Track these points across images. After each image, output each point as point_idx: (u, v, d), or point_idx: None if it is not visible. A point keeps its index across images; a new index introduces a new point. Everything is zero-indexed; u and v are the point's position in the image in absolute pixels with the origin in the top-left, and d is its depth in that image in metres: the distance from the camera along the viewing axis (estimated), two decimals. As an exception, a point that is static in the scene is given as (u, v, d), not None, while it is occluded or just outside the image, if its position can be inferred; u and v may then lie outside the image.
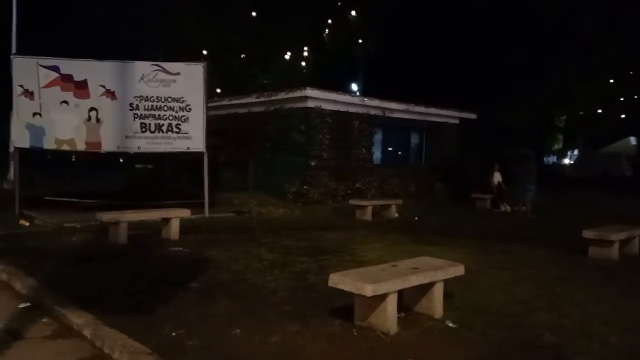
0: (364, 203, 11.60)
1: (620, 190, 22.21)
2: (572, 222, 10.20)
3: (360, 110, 14.79)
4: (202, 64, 10.84)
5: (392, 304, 4.03)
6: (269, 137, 14.30)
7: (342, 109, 14.35)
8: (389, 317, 4.05)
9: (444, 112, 17.27)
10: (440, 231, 9.79)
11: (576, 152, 41.96)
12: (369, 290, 3.86)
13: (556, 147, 33.57)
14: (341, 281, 4.07)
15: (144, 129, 10.39)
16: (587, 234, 7.33)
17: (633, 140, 34.52)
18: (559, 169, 29.81)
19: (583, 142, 36.80)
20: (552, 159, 34.12)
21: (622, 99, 29.87)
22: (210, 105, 11.86)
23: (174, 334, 3.97)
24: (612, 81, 28.91)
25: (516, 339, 4.04)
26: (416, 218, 11.75)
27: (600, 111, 30.90)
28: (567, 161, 38.15)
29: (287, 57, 23.15)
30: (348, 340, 3.93)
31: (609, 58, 25.16)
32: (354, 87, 29.44)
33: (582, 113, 31.15)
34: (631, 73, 28.63)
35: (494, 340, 4.02)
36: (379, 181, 14.95)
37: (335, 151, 14.14)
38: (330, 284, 4.13)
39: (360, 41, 26.08)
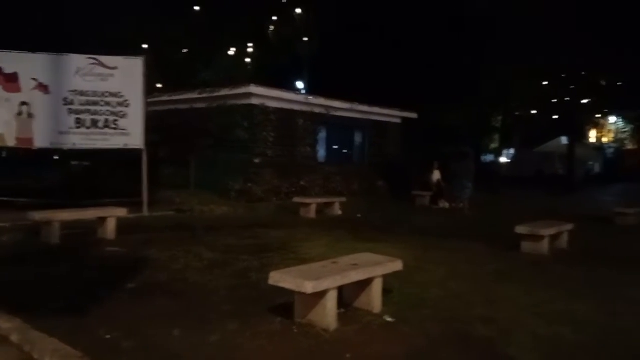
0: (308, 201, 11.64)
1: (552, 188, 23.41)
2: (506, 218, 10.58)
3: (305, 108, 14.83)
4: (141, 58, 10.53)
5: (331, 300, 4.07)
6: (211, 134, 14.07)
7: (286, 106, 14.34)
8: (328, 313, 4.08)
9: (387, 111, 17.60)
10: (382, 228, 9.98)
11: (512, 151, 43.83)
12: (309, 287, 3.87)
13: (493, 146, 34.86)
14: (282, 279, 4.06)
15: (78, 125, 9.98)
16: (520, 229, 7.67)
17: (564, 139, 36.37)
18: (496, 167, 30.99)
19: (518, 142, 38.42)
20: (490, 158, 35.42)
21: (554, 101, 31.42)
22: (149, 100, 11.56)
23: (108, 336, 3.84)
24: (545, 83, 30.37)
25: (451, 332, 4.17)
26: (359, 215, 11.90)
27: (534, 112, 32.37)
28: (503, 159, 39.72)
29: (231, 52, 22.86)
30: (287, 337, 3.93)
31: (543, 61, 26.41)
32: (299, 84, 29.45)
33: (517, 113, 32.50)
34: (563, 76, 30.17)
35: (430, 333, 4.13)
36: (323, 179, 15.06)
37: (279, 149, 14.13)
38: (271, 281, 4.11)
39: (305, 39, 26.12)
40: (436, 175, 15.15)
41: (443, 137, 25.09)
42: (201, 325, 4.12)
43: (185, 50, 22.36)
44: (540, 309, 4.83)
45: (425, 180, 15.30)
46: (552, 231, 7.72)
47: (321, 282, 3.95)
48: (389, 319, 4.40)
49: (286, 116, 14.33)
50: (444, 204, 14.44)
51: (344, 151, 17.12)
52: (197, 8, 21.82)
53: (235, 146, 13.51)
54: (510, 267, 6.72)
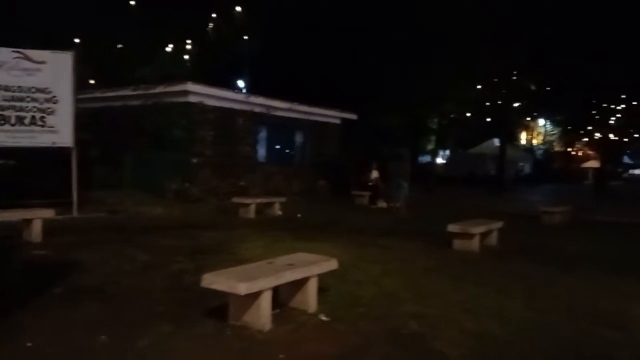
0: (247, 201, 11.54)
1: (484, 188, 24.40)
2: (440, 217, 10.88)
3: (244, 107, 14.69)
4: (70, 52, 10.07)
5: (265, 300, 4.05)
6: (146, 132, 13.67)
7: (226, 105, 14.15)
8: (262, 314, 4.06)
9: (327, 112, 17.73)
10: (321, 227, 10.05)
11: (448, 152, 45.29)
12: (242, 289, 3.84)
13: (430, 147, 35.87)
14: (214, 281, 4.01)
15: (2, 122, 9.41)
16: (452, 227, 7.93)
17: (496, 141, 37.95)
18: (432, 167, 31.90)
19: (453, 143, 39.76)
20: (426, 158, 36.42)
21: (487, 104, 32.73)
22: (81, 97, 11.08)
23: (29, 344, 3.66)
24: (479, 87, 31.58)
25: (383, 329, 4.26)
26: (298, 215, 11.93)
27: (468, 114, 33.58)
28: (439, 160, 40.96)
29: (169, 49, 22.31)
30: (220, 339, 3.88)
31: (477, 66, 27.44)
32: (240, 83, 29.15)
33: (452, 116, 33.59)
34: (495, 80, 31.47)
35: (363, 331, 4.20)
36: (263, 179, 14.98)
37: (218, 148, 13.91)
38: (203, 284, 4.05)
39: (246, 37, 25.87)
40: (374, 175, 15.43)
41: (381, 138, 25.58)
42: (131, 330, 4.00)
43: (120, 46, 21.61)
44: (468, 304, 5.02)
45: (364, 180, 15.55)
46: (482, 229, 8.04)
47: (255, 283, 3.93)
48: (324, 318, 4.44)
49: (225, 115, 14.14)
50: (381, 204, 14.72)
51: (285, 151, 17.10)
52: (132, 2, 21.14)
53: (172, 145, 13.17)
54: (442, 264, 6.94)
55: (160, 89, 13.52)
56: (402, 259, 7.16)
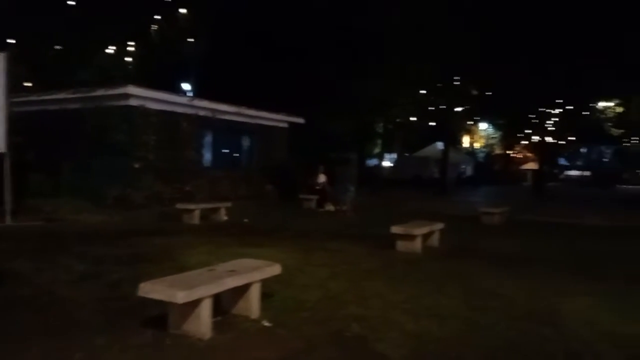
0: (191, 206, 11.32)
1: (428, 190, 24.99)
2: (385, 219, 11.07)
3: (189, 111, 14.43)
4: (3, 53, 9.60)
5: (205, 308, 3.98)
6: (86, 137, 13.18)
7: (169, 108, 13.85)
8: (203, 322, 3.99)
9: (274, 116, 17.69)
10: (267, 232, 10.00)
11: (394, 155, 46.11)
12: (181, 297, 3.76)
13: (376, 150, 36.43)
14: (152, 289, 3.90)
15: None
16: (395, 229, 8.08)
17: (440, 145, 38.99)
18: (379, 170, 32.42)
19: (399, 147, 40.53)
20: (374, 162, 36.97)
21: (431, 108, 33.58)
22: (14, 100, 10.57)
23: (-50, 363, 3.45)
24: (423, 92, 32.35)
25: (327, 333, 4.27)
26: (245, 220, 11.82)
27: (413, 118, 34.34)
28: (386, 164, 41.66)
29: (110, 51, 21.63)
30: (159, 349, 3.78)
31: (422, 72, 28.12)
32: (186, 86, 28.64)
33: (398, 120, 34.27)
34: (439, 85, 32.34)
35: (306, 335, 4.21)
36: (209, 184, 14.76)
37: (162, 153, 13.59)
38: (140, 293, 3.93)
39: (191, 40, 25.46)
40: (322, 179, 15.52)
41: (329, 142, 25.76)
42: (65, 343, 3.84)
43: (58, 47, 20.78)
44: (409, 305, 5.12)
45: (311, 184, 15.60)
46: (424, 230, 8.22)
47: (194, 291, 3.85)
48: (267, 324, 4.41)
49: (169, 119, 13.84)
50: (329, 207, 14.80)
51: (231, 155, 16.90)
52: (71, 2, 20.38)
53: (113, 150, 12.75)
54: (385, 265, 7.06)
55: (100, 92, 13.08)
56: (348, 262, 7.22)
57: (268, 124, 17.63)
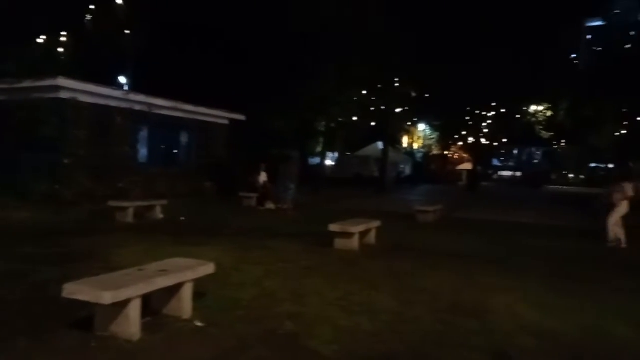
0: (125, 204, 10.96)
1: (368, 189, 25.39)
2: (326, 218, 11.13)
3: (123, 105, 13.96)
4: None
5: (134, 309, 3.88)
6: (12, 131, 12.49)
7: (102, 102, 13.34)
8: (131, 323, 3.89)
9: (213, 112, 17.42)
10: (205, 230, 9.83)
11: (336, 154, 46.52)
12: (108, 298, 3.64)
13: (319, 149, 36.64)
14: (77, 290, 3.76)
15: None
16: (333, 227, 8.16)
17: (380, 144, 39.72)
18: (321, 169, 32.62)
19: (341, 146, 40.92)
20: (316, 160, 37.16)
21: (372, 108, 34.14)
22: None
23: None
24: (364, 92, 32.83)
25: (260, 331, 4.27)
26: (182, 218, 11.58)
27: (355, 118, 34.80)
28: (328, 162, 41.98)
29: (41, 41, 20.58)
30: (84, 352, 3.65)
31: (362, 72, 28.49)
32: (123, 80, 27.68)
33: (340, 119, 34.63)
34: (379, 86, 32.92)
35: (240, 334, 4.18)
36: (145, 181, 14.34)
37: (94, 148, 13.07)
38: (65, 294, 3.78)
39: (128, 32, 24.64)
40: (263, 177, 15.42)
41: (271, 139, 25.67)
42: (-19, 347, 3.64)
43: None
44: (343, 301, 5.20)
45: (252, 182, 15.48)
46: (361, 228, 8.36)
47: (122, 291, 3.74)
48: (199, 324, 4.35)
49: (102, 113, 13.33)
50: (270, 205, 14.74)
51: (169, 151, 16.50)
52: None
53: (42, 145, 12.15)
54: (323, 263, 7.12)
55: (28, 84, 12.42)
56: (285, 260, 7.23)
57: (207, 120, 17.33)
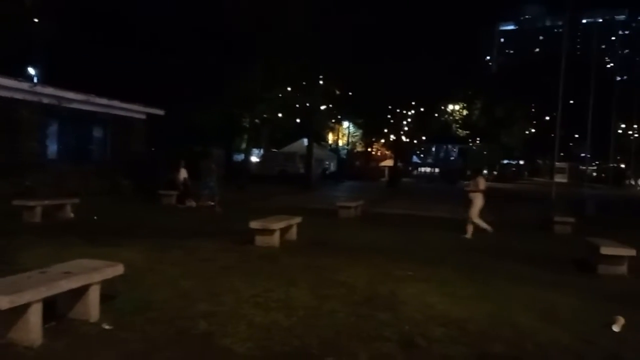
0: (31, 203, 10.29)
1: (294, 185, 25.47)
2: (249, 215, 11.02)
3: (30, 98, 13.10)
4: None
5: (35, 314, 3.66)
6: None
7: (6, 94, 12.45)
8: (32, 328, 3.67)
9: (129, 106, 16.75)
10: (119, 230, 9.44)
11: (261, 151, 46.29)
12: (5, 303, 3.41)
13: (243, 145, 36.32)
14: (-30, 295, 3.49)
15: None
16: (253, 224, 8.11)
17: (306, 141, 39.97)
18: (245, 166, 32.33)
19: (266, 142, 40.81)
20: (241, 157, 36.79)
21: (297, 105, 34.27)
22: None
23: None
24: (289, 89, 32.89)
25: (172, 332, 4.17)
26: (95, 217, 11.05)
27: (280, 115, 34.78)
28: (253, 159, 41.71)
29: None
30: (-25, 363, 3.41)
31: (287, 69, 28.50)
32: (32, 71, 25.95)
33: (265, 116, 34.48)
34: (304, 83, 33.09)
35: (150, 336, 4.06)
36: (55, 178, 13.54)
37: (-3, 143, 12.21)
38: (-45, 300, 3.50)
39: (36, 20, 23.12)
40: (183, 174, 15.02)
41: (193, 135, 25.11)
42: None
43: None
44: (260, 298, 5.19)
45: (171, 179, 15.03)
46: (282, 225, 8.37)
47: (21, 295, 3.52)
48: (107, 327, 4.18)
49: (6, 106, 12.44)
50: (190, 203, 14.40)
51: (81, 147, 15.66)
52: None
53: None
54: (242, 260, 7.06)
55: None
56: (204, 259, 7.09)
57: (124, 115, 16.65)
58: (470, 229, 10.77)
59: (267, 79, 28.55)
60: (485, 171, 62.08)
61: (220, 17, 23.41)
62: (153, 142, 18.50)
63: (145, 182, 15.88)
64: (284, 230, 8.67)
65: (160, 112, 18.02)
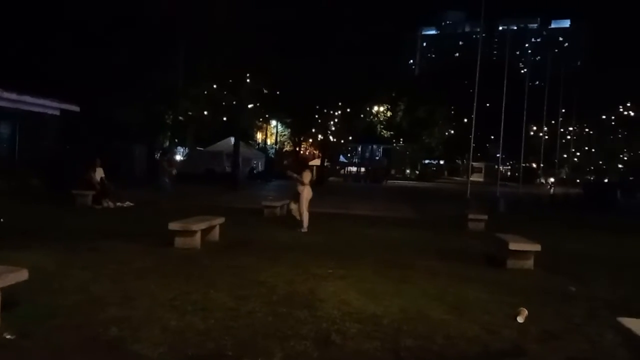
0: None
1: (220, 185, 25.05)
2: (171, 215, 10.67)
3: None
4: None
5: None
6: None
7: None
8: None
9: (42, 102, 15.79)
10: (28, 232, 8.87)
11: (187, 149, 45.09)
12: None
13: (167, 144, 35.31)
14: None
15: None
16: (173, 225, 7.91)
17: (232, 140, 39.43)
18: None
19: (192, 140, 39.84)
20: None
21: (223, 103, 33.78)
22: None
23: None
24: (215, 86, 32.35)
25: (80, 339, 3.98)
26: (1, 219, 10.33)
27: (206, 112, 34.11)
28: (178, 157, 40.62)
29: None
30: None
31: (213, 66, 28.04)
32: None
33: (190, 113, 33.69)
34: (230, 81, 32.68)
35: (55, 344, 3.86)
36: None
37: None
38: None
39: None
40: (99, 173, 14.33)
41: (114, 132, 24.10)
42: None
43: None
44: (177, 301, 5.07)
45: (87, 178, 14.29)
46: (203, 225, 8.22)
47: None
48: (9, 336, 3.93)
49: None
50: (107, 204, 13.80)
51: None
52: None
53: None
54: (160, 263, 6.87)
55: None
56: (119, 262, 6.82)
57: (34, 110, 15.65)
58: (305, 220, 10.83)
59: (192, 75, 27.95)
60: (408, 170, 64.33)
61: (138, 5, 22.64)
62: (69, 140, 17.53)
63: (58, 182, 15.02)
64: (206, 231, 8.51)
65: (76, 108, 17.13)
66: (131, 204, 14.07)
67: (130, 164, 23.97)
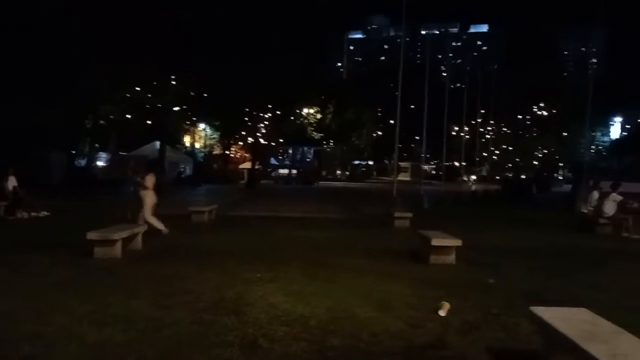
0: None
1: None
2: (90, 224, 10.12)
3: None
4: None
5: None
6: None
7: None
8: None
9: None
10: None
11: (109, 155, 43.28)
12: None
13: (88, 149, 33.80)
14: None
15: None
16: (91, 235, 7.56)
17: (158, 144, 38.28)
18: (90, 171, 30.08)
19: (114, 145, 38.31)
20: (84, 162, 34.14)
21: (148, 106, 32.73)
22: None
23: None
24: (138, 89, 31.29)
25: (-14, 360, 3.72)
26: None
27: (129, 116, 32.90)
28: (100, 163, 38.96)
29: None
30: None
31: (135, 69, 27.07)
32: None
33: (112, 117, 32.38)
34: (155, 83, 31.74)
35: (-42, 368, 3.58)
36: None
37: None
38: None
39: None
40: (12, 182, 13.46)
41: (30, 138, 22.76)
42: None
43: None
44: (96, 314, 4.84)
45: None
46: (124, 234, 7.91)
47: None
48: None
49: None
50: (21, 214, 13.00)
51: None
52: None
53: None
54: (78, 275, 6.54)
55: None
56: (32, 275, 6.44)
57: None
58: (156, 225, 10.11)
59: (114, 77, 26.88)
60: (339, 172, 65.21)
61: (56, 6, 21.54)
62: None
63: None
64: (128, 240, 8.19)
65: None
66: (47, 214, 13.33)
67: (48, 171, 22.75)
